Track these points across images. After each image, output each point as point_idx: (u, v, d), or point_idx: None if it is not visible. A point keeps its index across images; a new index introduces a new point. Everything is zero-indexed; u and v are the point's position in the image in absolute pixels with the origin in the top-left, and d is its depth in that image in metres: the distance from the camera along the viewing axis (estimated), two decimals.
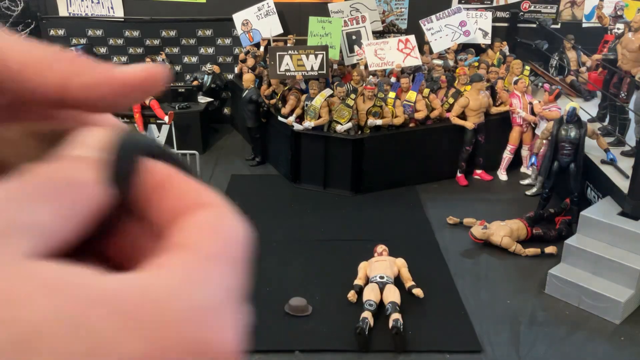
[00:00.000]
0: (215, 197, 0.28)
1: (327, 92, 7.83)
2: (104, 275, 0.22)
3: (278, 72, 8.18)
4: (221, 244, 0.26)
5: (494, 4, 10.12)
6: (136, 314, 0.21)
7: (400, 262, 5.75)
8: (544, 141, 7.22)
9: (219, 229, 0.26)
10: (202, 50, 10.35)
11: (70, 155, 0.27)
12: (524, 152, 8.44)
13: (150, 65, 0.29)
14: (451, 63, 9.11)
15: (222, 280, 0.24)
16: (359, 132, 7.87)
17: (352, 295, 5.53)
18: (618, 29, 8.47)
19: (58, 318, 0.20)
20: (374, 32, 9.46)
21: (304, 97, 8.01)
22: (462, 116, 8.04)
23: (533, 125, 8.20)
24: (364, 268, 5.72)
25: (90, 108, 0.28)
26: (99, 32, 10.25)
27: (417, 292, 5.54)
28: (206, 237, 0.26)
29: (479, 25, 9.61)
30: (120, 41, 10.31)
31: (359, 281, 5.62)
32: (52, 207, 0.24)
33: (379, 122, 7.74)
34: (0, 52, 0.27)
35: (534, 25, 10.07)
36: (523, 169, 8.47)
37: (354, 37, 9.22)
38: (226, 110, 10.36)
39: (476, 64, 8.98)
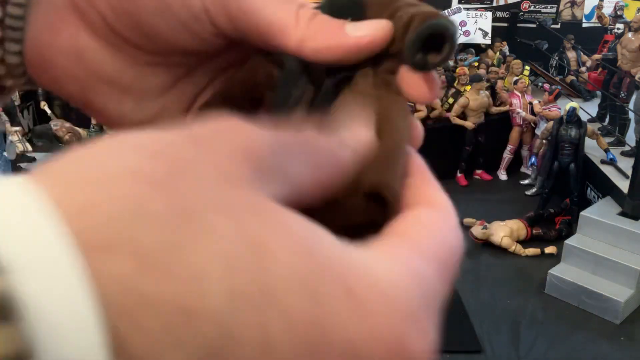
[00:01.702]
0: (446, 199, 0.28)
1: None
2: (341, 246, 0.21)
3: None
4: (441, 247, 0.26)
5: (494, 4, 10.12)
6: (366, 304, 0.20)
7: None
8: (544, 141, 7.22)
9: (441, 231, 0.27)
10: None
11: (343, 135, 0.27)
12: (524, 152, 8.44)
13: (376, 25, 0.30)
14: (451, 63, 9.11)
15: (435, 285, 0.24)
16: None
17: None
18: (618, 29, 8.47)
19: (293, 281, 0.19)
20: None
21: None
22: (462, 116, 8.05)
23: (533, 125, 8.20)
24: None
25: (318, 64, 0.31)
26: None
27: None
28: (428, 236, 0.26)
29: (479, 25, 9.61)
30: None
31: None
32: (307, 162, 0.24)
33: None
34: (255, 12, 0.30)
35: (534, 25, 10.07)
36: (523, 169, 8.47)
37: None
38: None
39: (476, 64, 8.99)
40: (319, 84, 0.31)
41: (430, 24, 0.29)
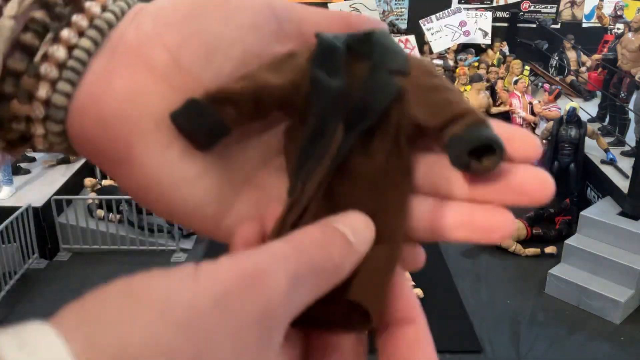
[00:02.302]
0: (420, 313, 0.31)
1: None
2: None
3: None
4: None
5: (494, 4, 10.12)
6: None
7: None
8: (544, 141, 7.22)
9: (420, 349, 0.30)
10: None
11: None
12: None
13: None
14: (451, 63, 9.12)
15: None
16: None
17: None
18: (618, 29, 8.48)
19: None
20: None
21: None
22: None
23: (533, 125, 8.20)
24: None
25: None
26: None
27: (417, 292, 5.54)
28: (411, 355, 0.29)
29: (478, 25, 9.61)
30: None
31: None
32: (312, 287, 0.27)
33: None
34: (299, 15, 0.34)
35: (534, 25, 10.08)
36: None
37: None
38: None
39: (476, 64, 8.99)
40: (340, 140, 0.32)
41: (488, 135, 0.29)
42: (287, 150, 0.34)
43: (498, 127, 0.30)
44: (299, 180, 0.31)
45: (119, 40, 0.32)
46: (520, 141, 0.30)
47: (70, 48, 0.31)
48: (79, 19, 0.32)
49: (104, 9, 0.33)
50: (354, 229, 0.29)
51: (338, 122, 0.31)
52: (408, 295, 0.31)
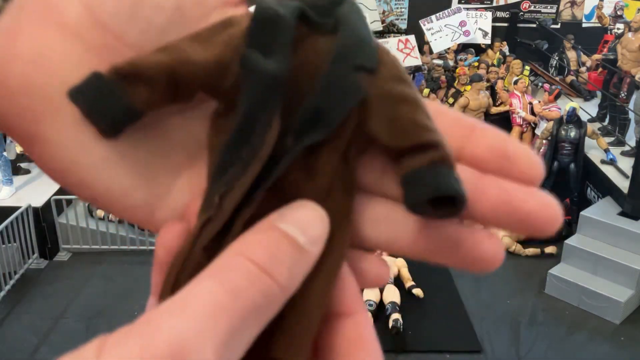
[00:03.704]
0: (362, 306, 0.28)
1: None
2: None
3: None
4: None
5: (494, 4, 10.11)
6: None
7: (400, 262, 5.75)
8: (544, 141, 7.22)
9: (362, 343, 0.27)
10: None
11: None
12: None
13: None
14: (451, 63, 9.12)
15: None
16: None
17: None
18: (618, 29, 8.47)
19: None
20: (373, 32, 9.41)
21: None
22: None
23: (533, 125, 8.20)
24: None
25: None
26: None
27: (417, 292, 5.54)
28: (353, 350, 0.27)
29: (478, 25, 9.61)
30: None
31: None
32: (252, 332, 0.23)
33: None
34: None
35: (534, 25, 10.07)
36: None
37: None
38: None
39: (476, 64, 8.99)
40: (277, 144, 0.26)
41: (452, 185, 0.25)
42: (211, 143, 0.28)
43: (501, 139, 0.27)
44: (216, 192, 0.26)
45: None
46: (525, 162, 0.27)
47: None
48: None
49: None
50: (304, 227, 0.25)
51: (272, 117, 0.25)
52: (350, 287, 0.28)
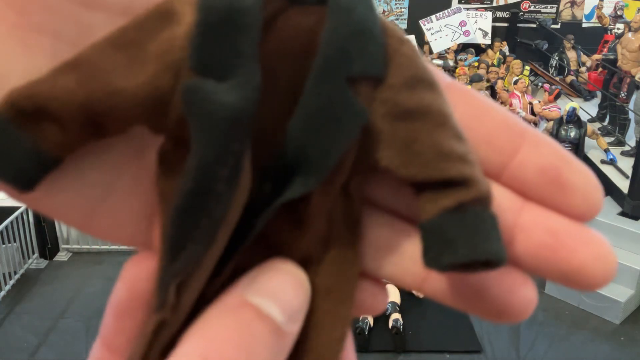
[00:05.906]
0: None
1: None
2: None
3: None
4: None
5: (494, 4, 10.11)
6: None
7: None
8: None
9: None
10: None
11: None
12: None
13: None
14: (451, 63, 9.12)
15: None
16: None
17: None
18: (618, 29, 8.47)
19: None
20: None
21: None
22: None
23: (533, 126, 8.19)
24: None
25: None
26: None
27: (417, 292, 5.53)
28: None
29: (478, 25, 9.61)
30: None
31: None
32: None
33: None
34: None
35: (534, 25, 10.07)
36: None
37: None
38: None
39: (476, 64, 8.99)
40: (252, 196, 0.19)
41: (481, 248, 0.19)
42: (161, 189, 0.20)
43: (556, 157, 0.21)
44: (172, 280, 0.19)
45: None
46: (582, 195, 0.21)
47: None
48: None
49: None
50: (280, 301, 0.19)
51: (239, 164, 0.17)
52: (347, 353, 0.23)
